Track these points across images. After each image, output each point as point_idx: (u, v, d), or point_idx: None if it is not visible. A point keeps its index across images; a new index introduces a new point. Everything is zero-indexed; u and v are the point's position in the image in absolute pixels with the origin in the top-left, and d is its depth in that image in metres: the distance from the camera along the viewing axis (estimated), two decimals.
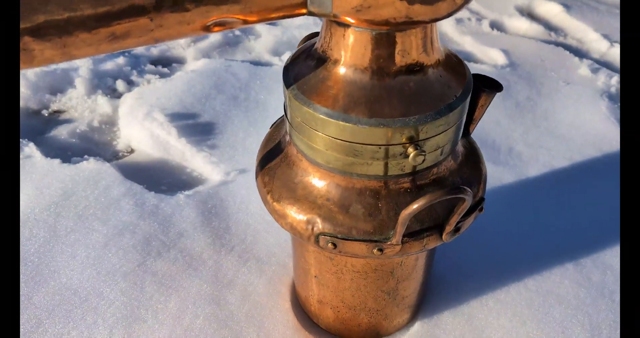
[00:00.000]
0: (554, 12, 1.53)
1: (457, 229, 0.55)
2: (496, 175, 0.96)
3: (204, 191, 0.91)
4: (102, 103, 1.16)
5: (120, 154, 1.05)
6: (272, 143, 0.61)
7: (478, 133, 1.02)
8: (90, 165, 0.96)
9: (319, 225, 0.53)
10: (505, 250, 0.81)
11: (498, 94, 0.65)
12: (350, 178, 0.52)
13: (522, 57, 1.31)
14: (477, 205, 0.57)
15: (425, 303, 0.75)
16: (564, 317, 0.72)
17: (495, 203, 0.90)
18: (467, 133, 0.60)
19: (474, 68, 1.23)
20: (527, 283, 0.77)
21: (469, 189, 0.48)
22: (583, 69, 1.28)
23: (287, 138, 0.57)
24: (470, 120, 0.58)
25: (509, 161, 1.00)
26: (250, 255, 0.81)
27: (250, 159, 0.98)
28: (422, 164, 0.52)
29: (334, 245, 0.53)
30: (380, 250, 0.53)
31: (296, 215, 0.54)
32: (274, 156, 0.59)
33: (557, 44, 1.40)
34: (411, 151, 0.48)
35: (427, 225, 0.54)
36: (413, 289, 0.67)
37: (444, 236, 0.54)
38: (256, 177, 0.60)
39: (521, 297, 0.75)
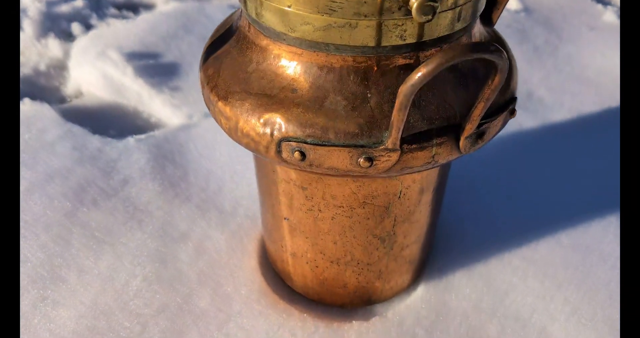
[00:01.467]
0: None
1: (480, 134, 0.38)
2: (515, 119, 0.80)
3: (160, 135, 0.75)
4: (53, 47, 0.99)
5: (68, 99, 0.89)
6: (222, 30, 0.45)
7: None
8: (25, 107, 0.79)
9: (281, 126, 0.37)
10: (530, 199, 0.65)
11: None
12: (326, 54, 0.36)
13: (537, 3, 1.15)
14: (507, 104, 0.41)
15: (432, 260, 0.58)
16: (611, 278, 0.56)
17: (516, 147, 0.74)
18: (490, 21, 0.44)
19: None
20: (560, 238, 0.60)
21: (503, 51, 0.32)
22: (608, 15, 1.12)
23: (241, 19, 0.41)
24: (494, 3, 0.43)
25: (529, 106, 0.84)
26: (212, 205, 0.64)
27: None
28: (432, 30, 0.36)
29: (302, 155, 0.37)
30: (369, 159, 0.36)
31: (249, 114, 0.38)
32: (223, 42, 0.43)
33: None
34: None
35: (438, 125, 0.37)
36: (416, 237, 0.50)
37: (461, 142, 0.37)
38: (199, 72, 0.43)
39: (554, 255, 0.59)
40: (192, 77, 0.88)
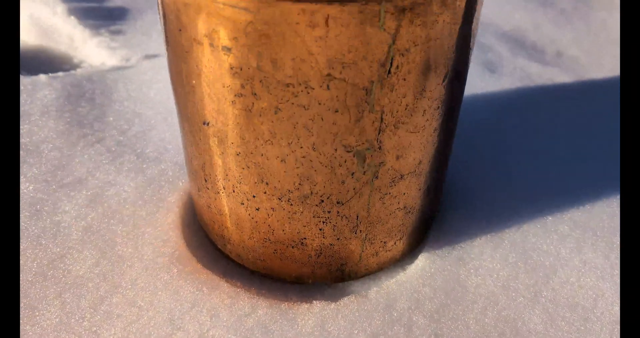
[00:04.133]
0: None
1: None
2: (545, 75, 0.63)
3: (83, 73, 0.57)
4: None
5: None
6: None
7: (511, 33, 0.74)
8: None
9: None
10: (558, 155, 0.46)
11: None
12: None
13: None
14: None
15: (439, 220, 0.39)
16: None
17: (548, 100, 0.56)
18: None
19: None
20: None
21: None
22: None
23: None
24: None
25: (560, 63, 0.67)
26: (129, 149, 0.46)
27: None
28: None
29: None
30: None
31: None
32: None
33: None
34: None
35: None
36: (416, 163, 0.31)
37: None
38: None
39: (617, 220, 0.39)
40: (140, 22, 0.71)
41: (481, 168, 0.44)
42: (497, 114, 0.52)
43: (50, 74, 0.58)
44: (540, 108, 0.55)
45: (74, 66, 0.64)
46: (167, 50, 0.31)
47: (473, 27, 0.29)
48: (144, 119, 0.51)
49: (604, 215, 0.41)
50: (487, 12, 0.78)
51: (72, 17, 0.70)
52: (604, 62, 0.70)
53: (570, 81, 0.63)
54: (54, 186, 0.42)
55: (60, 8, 0.70)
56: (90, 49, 0.67)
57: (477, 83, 0.58)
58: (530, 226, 0.39)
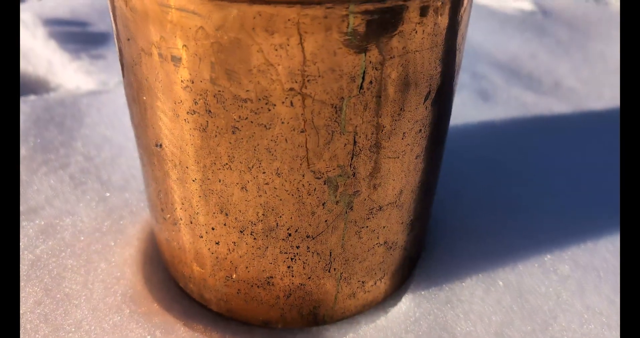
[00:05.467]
0: None
1: None
2: (541, 104, 0.60)
3: (55, 98, 0.54)
4: None
5: None
6: None
7: (507, 63, 0.72)
8: None
9: None
10: (556, 187, 0.43)
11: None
12: None
13: (554, 6, 0.99)
14: None
15: (425, 257, 0.35)
16: None
17: (544, 130, 0.53)
18: None
19: (492, 10, 0.91)
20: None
21: None
22: None
23: None
24: None
25: (557, 93, 0.65)
26: (93, 176, 0.42)
27: None
28: None
29: None
30: None
31: None
32: None
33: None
34: None
35: None
36: (396, 192, 0.28)
37: None
38: None
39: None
40: None
41: (472, 200, 0.40)
42: (490, 144, 0.49)
43: (21, 97, 0.55)
44: (536, 138, 0.52)
45: (50, 90, 0.62)
46: (120, 63, 0.28)
47: (459, 41, 0.26)
48: (114, 144, 0.48)
49: (607, 254, 0.37)
50: (482, 41, 0.76)
51: (52, 41, 0.67)
52: (603, 93, 0.68)
53: (568, 111, 0.61)
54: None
55: (41, 31, 0.68)
56: (69, 73, 0.64)
57: (469, 111, 0.55)
58: (526, 265, 0.35)
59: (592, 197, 0.44)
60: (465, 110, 0.55)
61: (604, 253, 0.38)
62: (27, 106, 0.53)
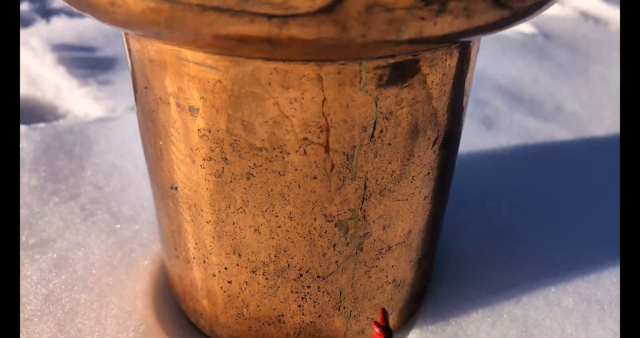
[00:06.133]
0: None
1: None
2: (544, 130, 0.61)
3: (64, 125, 0.55)
4: None
5: None
6: None
7: (509, 87, 0.72)
8: None
9: None
10: (559, 218, 0.43)
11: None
12: None
13: (555, 29, 1.01)
14: None
15: (432, 291, 0.36)
16: None
17: (547, 157, 0.54)
18: None
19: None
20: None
21: None
22: None
23: None
24: None
25: (560, 118, 0.65)
26: (103, 206, 0.43)
27: None
28: None
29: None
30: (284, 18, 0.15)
31: None
32: None
33: (597, 22, 1.09)
34: None
35: None
36: (404, 233, 0.29)
37: None
38: None
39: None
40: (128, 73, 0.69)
41: (476, 234, 0.41)
42: (493, 174, 0.49)
43: (31, 125, 0.56)
44: (539, 167, 0.53)
45: (58, 117, 0.62)
46: (137, 107, 0.29)
47: (466, 87, 0.27)
48: (123, 173, 0.49)
49: (611, 286, 0.38)
50: (483, 66, 0.77)
51: (61, 67, 0.68)
52: (604, 116, 0.68)
53: (570, 137, 0.61)
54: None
55: (49, 57, 0.69)
56: (77, 99, 0.65)
57: (472, 139, 0.56)
58: (531, 298, 0.36)
59: (594, 226, 0.44)
60: (469, 138, 0.56)
61: (608, 285, 0.38)
62: (37, 133, 0.54)
